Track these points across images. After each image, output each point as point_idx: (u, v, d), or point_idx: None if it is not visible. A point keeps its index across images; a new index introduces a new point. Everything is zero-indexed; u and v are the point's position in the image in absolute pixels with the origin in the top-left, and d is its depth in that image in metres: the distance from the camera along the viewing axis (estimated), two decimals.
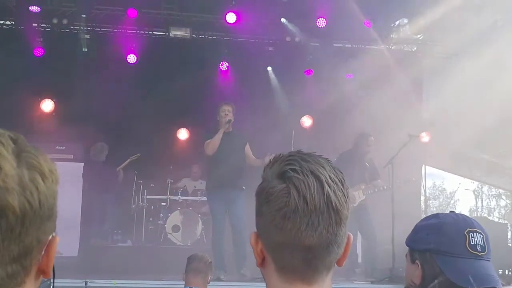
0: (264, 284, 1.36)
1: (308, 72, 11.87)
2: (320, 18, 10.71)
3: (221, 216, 8.33)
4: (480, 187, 41.34)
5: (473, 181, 32.37)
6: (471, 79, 10.85)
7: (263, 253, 1.33)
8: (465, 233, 1.93)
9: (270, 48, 12.04)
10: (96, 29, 11.16)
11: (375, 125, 10.48)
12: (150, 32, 11.52)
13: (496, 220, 35.52)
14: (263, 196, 1.30)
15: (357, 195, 9.11)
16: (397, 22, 11.92)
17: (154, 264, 9.20)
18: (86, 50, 10.97)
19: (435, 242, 1.95)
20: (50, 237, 1.08)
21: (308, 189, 1.24)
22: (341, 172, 1.33)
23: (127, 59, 11.00)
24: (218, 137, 8.19)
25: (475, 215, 38.77)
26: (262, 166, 1.38)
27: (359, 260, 9.53)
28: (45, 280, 1.10)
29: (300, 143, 9.11)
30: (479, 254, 1.91)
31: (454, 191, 44.18)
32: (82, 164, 11.20)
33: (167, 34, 10.96)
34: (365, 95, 11.11)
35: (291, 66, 11.93)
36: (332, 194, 1.26)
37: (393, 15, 11.56)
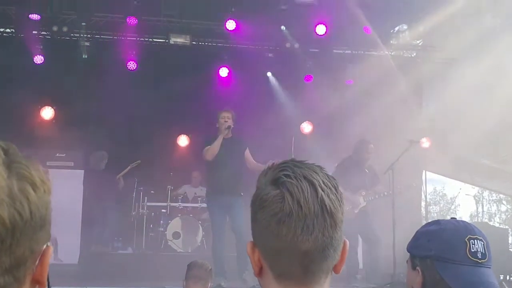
0: None
1: (308, 78, 11.89)
2: (319, 25, 10.72)
3: (221, 222, 8.32)
4: (480, 192, 41.33)
5: (473, 186, 32.33)
6: (471, 84, 10.86)
7: (260, 262, 1.33)
8: (466, 240, 1.93)
9: (270, 55, 12.04)
10: (96, 36, 11.16)
11: (375, 131, 10.48)
12: (150, 39, 11.53)
13: (497, 225, 35.47)
14: (258, 203, 1.30)
15: (358, 202, 9.10)
16: (396, 28, 11.94)
17: (154, 271, 9.18)
18: (86, 57, 10.98)
19: (435, 249, 1.95)
20: (44, 246, 1.07)
21: (301, 193, 1.25)
22: (334, 179, 1.33)
23: (127, 66, 11.01)
24: (217, 143, 8.20)
25: (476, 220, 38.80)
26: None
27: (360, 266, 9.52)
28: None
29: (300, 149, 9.13)
30: (480, 261, 1.91)
31: (454, 197, 44.18)
32: (83, 171, 11.22)
33: (167, 41, 10.97)
34: (365, 101, 11.11)
35: (291, 72, 11.95)
36: (326, 198, 1.27)
37: (392, 21, 11.58)
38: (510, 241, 12.59)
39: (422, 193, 12.42)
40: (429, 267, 1.96)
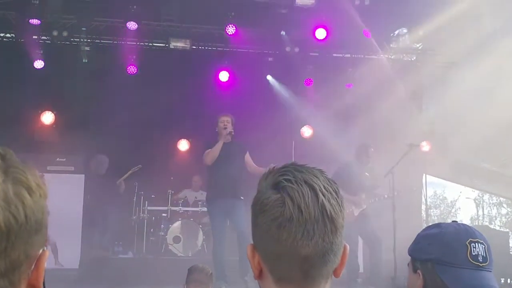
0: None
1: (308, 82, 11.89)
2: (319, 29, 10.72)
3: (221, 226, 8.30)
4: (481, 195, 41.33)
5: (474, 189, 32.33)
6: (471, 87, 10.86)
7: (260, 265, 1.33)
8: (467, 243, 1.93)
9: (270, 59, 12.04)
10: (96, 41, 11.17)
11: (375, 134, 10.49)
12: (150, 44, 11.54)
13: (498, 228, 35.46)
14: (258, 207, 1.30)
15: (358, 205, 9.10)
16: (396, 32, 11.95)
17: (155, 276, 9.17)
18: (86, 61, 10.98)
19: (436, 252, 1.95)
20: (40, 251, 1.07)
21: (302, 198, 1.25)
22: (335, 183, 1.33)
23: (128, 71, 11.02)
24: (217, 148, 8.20)
25: (476, 223, 38.74)
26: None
27: (361, 269, 9.51)
28: None
29: (300, 153, 9.13)
30: (481, 264, 1.91)
31: (455, 200, 44.20)
32: (83, 175, 11.22)
33: (167, 45, 10.98)
34: (365, 105, 11.12)
35: (291, 76, 11.96)
36: (326, 203, 1.26)
37: (392, 25, 11.58)
38: (510, 244, 12.58)
39: (423, 197, 12.44)
40: (429, 270, 1.96)
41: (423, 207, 13.11)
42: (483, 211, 43.65)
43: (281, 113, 11.67)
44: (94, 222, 10.59)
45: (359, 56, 11.95)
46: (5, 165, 1.02)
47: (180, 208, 10.90)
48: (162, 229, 10.78)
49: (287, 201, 1.25)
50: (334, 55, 11.86)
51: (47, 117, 11.25)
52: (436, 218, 39.72)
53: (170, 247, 10.44)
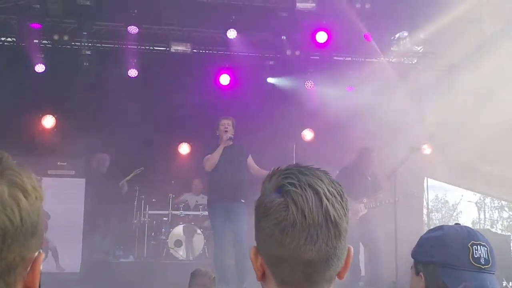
0: None
1: (309, 85, 11.88)
2: (320, 32, 10.72)
3: (222, 229, 8.28)
4: (482, 199, 41.22)
5: (475, 193, 32.26)
6: (471, 90, 10.85)
7: (263, 267, 1.32)
8: (469, 245, 1.92)
9: (271, 62, 12.05)
10: (97, 45, 11.17)
11: (376, 138, 10.47)
12: (151, 47, 11.55)
13: (499, 231, 35.40)
14: (261, 210, 1.29)
15: (359, 209, 9.08)
16: (397, 35, 11.94)
17: (156, 280, 9.16)
18: (87, 65, 10.99)
19: (438, 255, 1.95)
20: (36, 253, 1.07)
21: (306, 203, 1.24)
22: (339, 185, 1.32)
23: (129, 75, 11.03)
24: (217, 153, 8.19)
25: (478, 227, 38.65)
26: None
27: (362, 273, 9.49)
28: None
29: (301, 156, 9.12)
30: (483, 267, 1.90)
31: (456, 203, 44.07)
32: (84, 179, 11.21)
33: (168, 49, 10.99)
34: (366, 108, 11.11)
35: (292, 79, 11.95)
36: (330, 208, 1.25)
37: (393, 28, 11.58)
38: None
39: (424, 200, 12.41)
40: (432, 272, 1.95)
41: (425, 210, 13.09)
42: (484, 214, 43.55)
43: (282, 116, 11.67)
44: (95, 226, 10.59)
45: (360, 59, 11.95)
46: (1, 168, 1.02)
47: (181, 212, 10.89)
48: (163, 233, 10.77)
49: (291, 205, 1.24)
50: (335, 58, 11.85)
51: (48, 121, 11.27)
52: (437, 221, 39.59)
53: (171, 251, 10.42)
